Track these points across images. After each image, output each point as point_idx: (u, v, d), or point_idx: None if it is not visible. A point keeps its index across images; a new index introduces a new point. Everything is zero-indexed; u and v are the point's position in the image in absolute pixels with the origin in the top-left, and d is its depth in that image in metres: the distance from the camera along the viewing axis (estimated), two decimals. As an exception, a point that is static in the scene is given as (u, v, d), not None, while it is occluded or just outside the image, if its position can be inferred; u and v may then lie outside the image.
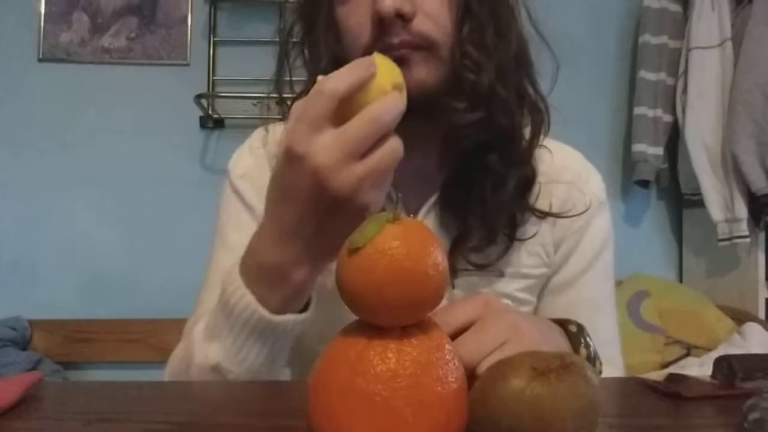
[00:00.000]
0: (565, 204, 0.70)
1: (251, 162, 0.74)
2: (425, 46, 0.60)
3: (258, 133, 0.76)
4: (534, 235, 0.69)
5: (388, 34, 0.59)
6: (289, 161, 0.47)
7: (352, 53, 0.62)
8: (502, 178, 0.64)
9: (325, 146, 0.46)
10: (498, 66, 0.61)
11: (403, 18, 0.58)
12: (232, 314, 0.54)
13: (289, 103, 0.68)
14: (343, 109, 0.47)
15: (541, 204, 0.68)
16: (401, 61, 0.57)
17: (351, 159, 0.46)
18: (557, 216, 0.69)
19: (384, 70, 0.49)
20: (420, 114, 0.63)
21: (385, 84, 0.48)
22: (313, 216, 0.49)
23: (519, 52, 0.65)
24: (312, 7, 0.66)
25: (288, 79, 0.69)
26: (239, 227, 0.70)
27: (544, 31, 0.67)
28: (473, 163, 0.64)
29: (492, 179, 0.64)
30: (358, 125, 0.46)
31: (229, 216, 0.73)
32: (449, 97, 0.61)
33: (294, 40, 0.69)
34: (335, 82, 0.46)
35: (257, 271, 0.53)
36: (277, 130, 0.74)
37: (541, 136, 0.69)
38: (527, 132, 0.67)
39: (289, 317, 0.54)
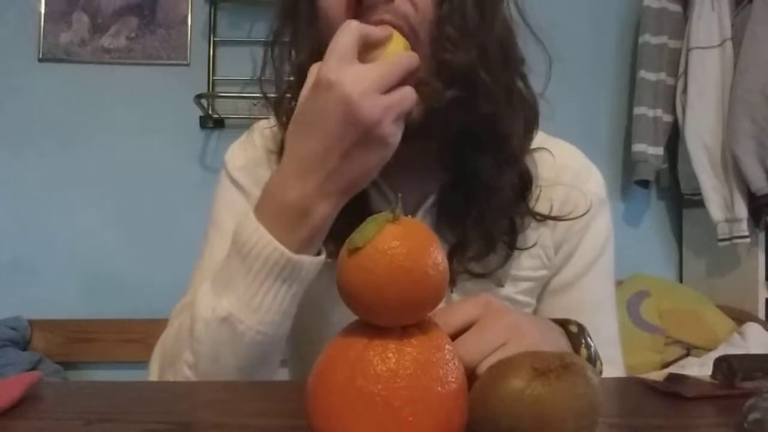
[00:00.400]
0: (566, 205, 0.69)
1: (249, 155, 0.73)
2: (405, 30, 0.57)
3: (255, 128, 0.76)
4: (534, 244, 0.67)
5: (366, 15, 0.56)
6: (319, 89, 0.51)
7: (329, 41, 0.60)
8: (496, 180, 0.63)
9: (355, 76, 0.50)
10: (480, 48, 0.58)
11: (385, 1, 0.56)
12: (248, 256, 0.53)
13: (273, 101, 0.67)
14: (365, 63, 0.52)
15: (541, 207, 0.67)
16: None
17: (378, 90, 0.50)
18: (558, 219, 0.68)
19: (398, 39, 0.55)
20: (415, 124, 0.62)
21: (401, 48, 0.55)
22: (339, 145, 0.51)
23: (504, 40, 0.62)
24: (292, 4, 0.65)
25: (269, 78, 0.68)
26: (235, 214, 0.69)
27: (539, 29, 0.65)
28: (468, 165, 0.63)
29: (486, 181, 0.63)
30: (384, 64, 0.51)
31: (226, 204, 0.72)
32: (426, 80, 0.58)
33: (280, 39, 0.67)
34: (361, 24, 0.52)
35: (276, 209, 0.54)
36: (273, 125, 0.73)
37: (535, 133, 0.69)
38: (519, 131, 0.65)
39: (307, 257, 0.54)
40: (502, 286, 0.67)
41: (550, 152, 0.70)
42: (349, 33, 0.51)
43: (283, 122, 0.66)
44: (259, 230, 0.54)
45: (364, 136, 0.50)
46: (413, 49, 0.56)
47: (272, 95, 0.67)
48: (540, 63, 0.66)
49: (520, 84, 0.64)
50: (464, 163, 0.64)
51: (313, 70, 0.53)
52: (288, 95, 0.66)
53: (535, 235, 0.68)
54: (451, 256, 0.64)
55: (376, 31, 0.54)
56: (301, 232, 0.53)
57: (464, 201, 0.64)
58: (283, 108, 0.66)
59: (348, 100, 0.49)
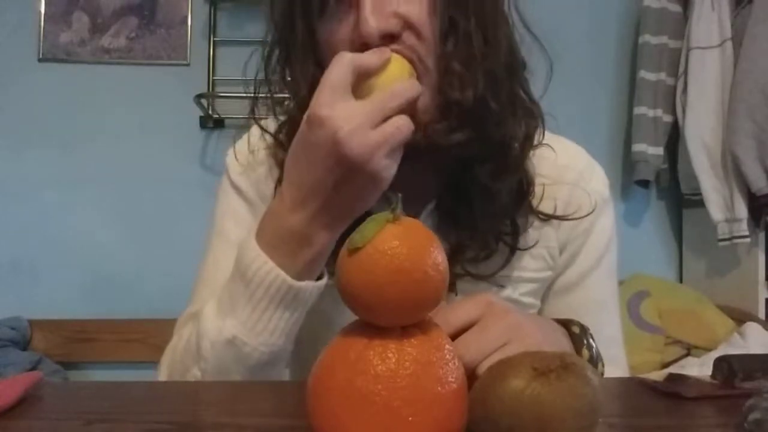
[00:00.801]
0: (569, 205, 0.68)
1: (249, 158, 0.73)
2: (414, 62, 0.56)
3: (255, 130, 0.76)
4: (536, 243, 0.67)
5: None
6: (311, 124, 0.51)
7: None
8: (491, 190, 0.62)
9: (346, 112, 0.49)
10: (487, 76, 0.57)
11: (390, 38, 0.55)
12: (251, 282, 0.54)
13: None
14: (362, 92, 0.51)
15: (545, 206, 0.67)
16: None
17: (369, 126, 0.49)
18: (562, 219, 0.67)
19: (398, 63, 0.54)
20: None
21: (401, 73, 0.53)
22: (330, 177, 0.51)
23: (509, 55, 0.61)
24: (289, 31, 0.62)
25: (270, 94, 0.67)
26: (238, 221, 0.70)
27: (539, 31, 0.64)
28: (468, 171, 0.63)
29: (481, 191, 0.62)
30: (379, 97, 0.51)
31: (228, 211, 0.72)
32: (433, 119, 0.57)
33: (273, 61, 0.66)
34: (355, 55, 0.51)
35: (277, 236, 0.54)
36: (272, 127, 0.73)
37: (539, 137, 0.69)
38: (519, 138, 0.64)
39: (309, 283, 0.55)
40: (504, 287, 0.67)
41: (552, 149, 0.69)
42: (341, 66, 0.51)
43: (280, 140, 0.67)
44: (260, 256, 0.54)
45: (353, 173, 0.50)
46: (421, 80, 0.56)
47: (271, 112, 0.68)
48: (541, 64, 0.66)
49: (520, 91, 0.64)
50: (464, 169, 0.63)
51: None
52: (284, 114, 0.66)
53: (537, 234, 0.67)
54: (451, 259, 0.63)
55: (371, 60, 0.52)
56: (302, 258, 0.54)
57: (464, 205, 0.64)
58: (284, 134, 0.66)
59: (335, 138, 0.49)
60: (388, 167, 0.51)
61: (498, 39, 0.59)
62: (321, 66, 0.58)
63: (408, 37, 0.56)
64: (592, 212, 0.69)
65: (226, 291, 0.57)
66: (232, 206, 0.72)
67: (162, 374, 0.64)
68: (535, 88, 0.66)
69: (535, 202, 0.66)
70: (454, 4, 0.57)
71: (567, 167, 0.70)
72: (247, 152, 0.73)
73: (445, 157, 0.61)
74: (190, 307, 0.67)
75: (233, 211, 0.72)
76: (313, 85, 0.54)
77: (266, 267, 0.54)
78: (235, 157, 0.74)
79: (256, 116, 0.68)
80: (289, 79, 0.64)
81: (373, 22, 0.54)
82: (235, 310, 0.56)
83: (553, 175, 0.68)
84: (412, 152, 0.54)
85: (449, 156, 0.61)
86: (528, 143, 0.64)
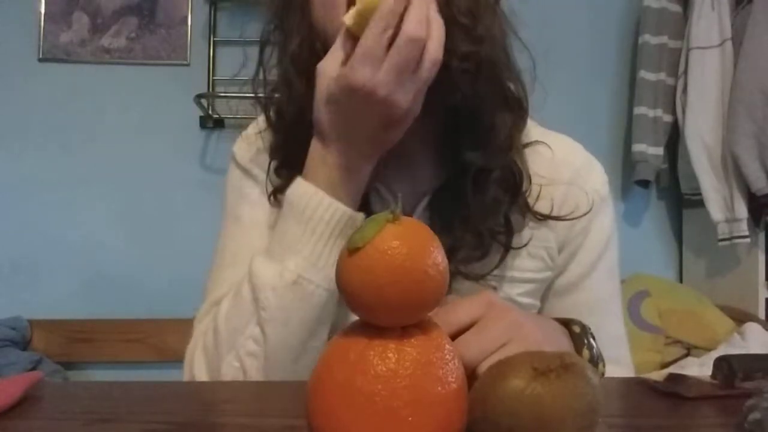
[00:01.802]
0: (566, 204, 0.68)
1: (258, 143, 0.73)
2: None
3: (257, 122, 0.76)
4: (530, 240, 0.66)
5: None
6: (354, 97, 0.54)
7: (326, 27, 0.60)
8: (484, 174, 0.62)
9: (354, 57, 0.52)
10: (487, 39, 0.59)
11: None
12: (311, 220, 0.57)
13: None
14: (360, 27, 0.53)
15: (542, 206, 0.66)
16: None
17: (374, 61, 0.52)
18: (559, 219, 0.67)
19: None
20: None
21: None
22: (356, 117, 0.55)
23: (501, 39, 0.62)
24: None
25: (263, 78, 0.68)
26: (253, 205, 0.70)
27: (538, 31, 0.65)
28: (458, 162, 0.63)
29: (475, 176, 0.62)
30: (370, 28, 0.52)
31: (242, 196, 0.72)
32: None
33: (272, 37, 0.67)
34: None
35: (326, 172, 0.58)
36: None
37: (538, 129, 0.68)
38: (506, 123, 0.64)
39: (360, 213, 0.59)
40: (500, 286, 0.66)
41: (549, 147, 0.68)
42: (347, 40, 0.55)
43: (273, 122, 0.67)
44: (318, 194, 0.58)
45: (370, 106, 0.54)
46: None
47: (262, 95, 0.68)
48: (541, 64, 0.66)
49: (511, 85, 0.64)
50: (454, 161, 0.63)
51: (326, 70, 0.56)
52: (277, 95, 0.66)
53: (530, 233, 0.67)
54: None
55: None
56: (351, 189, 0.59)
57: (456, 201, 0.63)
58: (273, 107, 0.67)
59: (351, 85, 0.53)
60: (397, 92, 0.53)
61: (495, 17, 0.61)
62: (313, 22, 0.62)
63: None
64: (589, 212, 0.68)
65: (280, 238, 0.59)
66: (244, 192, 0.72)
67: (196, 366, 0.61)
68: (535, 87, 0.66)
69: (530, 202, 0.66)
70: None
71: (563, 164, 0.69)
72: (253, 140, 0.73)
73: (434, 107, 0.60)
74: (211, 297, 0.67)
75: (246, 196, 0.72)
76: (306, 47, 0.59)
77: (325, 202, 0.57)
78: (242, 145, 0.75)
79: (261, 95, 0.69)
80: (286, 45, 0.65)
81: None
82: (295, 251, 0.58)
83: (549, 174, 0.67)
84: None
85: (437, 104, 0.60)
86: (516, 129, 0.65)
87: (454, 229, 0.63)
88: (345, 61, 0.54)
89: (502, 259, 0.65)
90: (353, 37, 0.54)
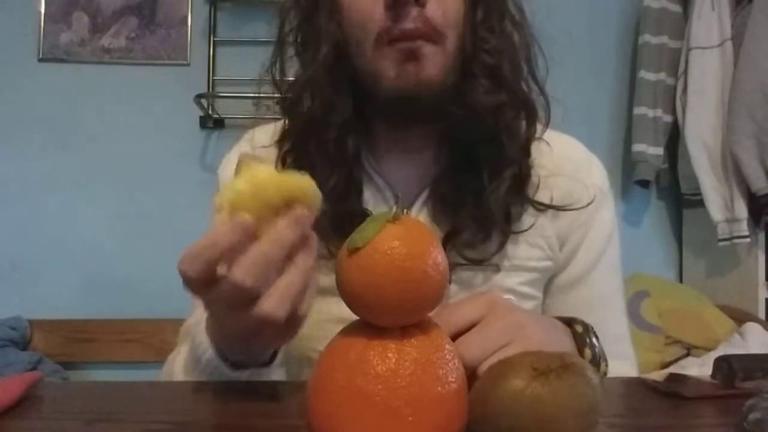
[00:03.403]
0: (567, 197, 0.68)
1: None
2: (434, 37, 0.59)
3: (246, 137, 0.76)
4: (531, 227, 0.67)
5: (402, 19, 0.58)
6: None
7: (360, 38, 0.61)
8: (499, 171, 0.64)
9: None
10: (510, 56, 0.62)
11: (417, 1, 0.58)
12: (199, 363, 0.54)
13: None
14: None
15: (541, 197, 0.67)
16: (414, 55, 0.58)
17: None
18: (559, 209, 0.67)
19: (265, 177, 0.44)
20: (421, 115, 0.63)
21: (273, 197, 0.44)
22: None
23: (525, 44, 0.65)
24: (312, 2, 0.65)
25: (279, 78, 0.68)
26: None
27: (541, 30, 0.67)
28: (467, 156, 0.64)
29: (489, 172, 0.63)
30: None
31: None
32: (470, 80, 0.61)
33: (290, 29, 0.67)
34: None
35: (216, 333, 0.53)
36: (266, 130, 0.72)
37: (541, 129, 0.69)
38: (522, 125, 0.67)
39: (244, 373, 0.53)
40: (500, 271, 0.67)
41: (548, 144, 0.69)
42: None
43: (293, 118, 0.67)
44: (203, 344, 0.54)
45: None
46: (441, 63, 0.59)
47: (277, 95, 0.68)
48: (540, 64, 0.67)
49: (532, 83, 0.66)
50: (463, 152, 0.64)
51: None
52: (291, 95, 0.66)
53: (531, 220, 0.67)
54: (445, 242, 0.64)
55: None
56: (243, 353, 0.53)
57: (461, 190, 0.64)
58: (291, 104, 0.66)
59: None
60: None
61: (517, 23, 0.64)
62: (345, 31, 0.62)
63: (434, 8, 0.59)
64: (589, 204, 0.68)
65: (187, 356, 0.58)
66: None
67: (163, 377, 0.66)
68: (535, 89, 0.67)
69: (531, 193, 0.67)
70: None
71: (565, 159, 0.71)
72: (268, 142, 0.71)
73: (468, 126, 0.62)
74: (192, 316, 0.68)
75: None
76: (334, 51, 0.59)
77: (207, 355, 0.53)
78: (227, 166, 0.75)
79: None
80: (302, 48, 0.66)
81: None
82: (192, 375, 0.56)
83: (550, 166, 0.69)
84: (412, 118, 0.57)
85: (473, 125, 0.62)
86: (533, 128, 0.66)
87: (456, 213, 0.64)
88: None
89: (503, 244, 0.65)
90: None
